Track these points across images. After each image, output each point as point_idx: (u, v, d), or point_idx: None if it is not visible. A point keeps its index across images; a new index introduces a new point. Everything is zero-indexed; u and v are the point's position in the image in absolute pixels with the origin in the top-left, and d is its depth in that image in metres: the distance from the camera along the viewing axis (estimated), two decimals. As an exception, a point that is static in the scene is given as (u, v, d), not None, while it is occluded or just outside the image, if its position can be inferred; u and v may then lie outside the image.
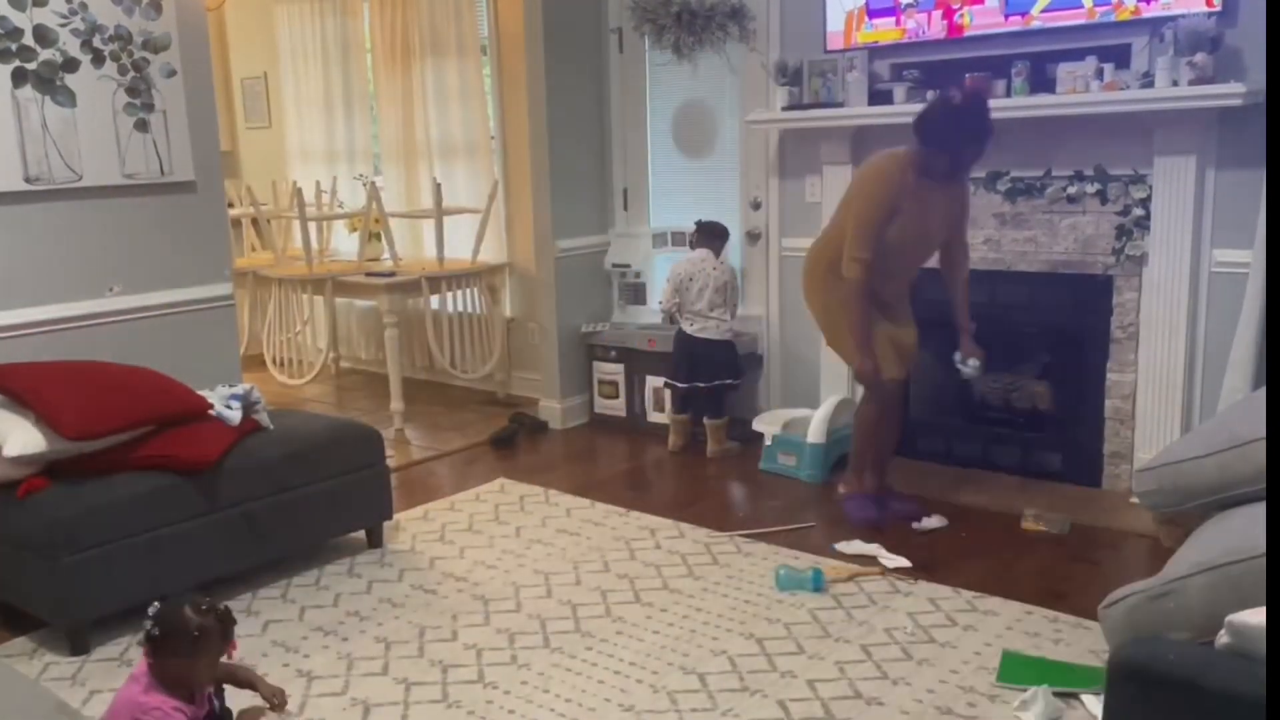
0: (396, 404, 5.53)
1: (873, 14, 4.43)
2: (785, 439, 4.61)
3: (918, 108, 4.24)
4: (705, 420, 4.92)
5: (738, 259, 5.11)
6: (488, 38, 5.91)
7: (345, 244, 6.69)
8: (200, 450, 3.35)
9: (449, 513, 4.28)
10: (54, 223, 3.74)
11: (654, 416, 5.26)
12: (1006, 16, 4.12)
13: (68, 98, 3.71)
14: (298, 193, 5.85)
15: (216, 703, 2.47)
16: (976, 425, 4.61)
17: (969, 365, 3.91)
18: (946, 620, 3.21)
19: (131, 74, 3.87)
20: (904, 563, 3.59)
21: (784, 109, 4.71)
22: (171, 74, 3.98)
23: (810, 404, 4.78)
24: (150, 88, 3.92)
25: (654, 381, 5.22)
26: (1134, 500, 3.75)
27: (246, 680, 2.60)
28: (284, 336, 6.27)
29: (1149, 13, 3.82)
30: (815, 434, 4.50)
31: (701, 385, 4.86)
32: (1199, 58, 3.65)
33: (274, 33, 6.88)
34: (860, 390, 4.77)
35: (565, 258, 5.38)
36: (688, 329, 4.87)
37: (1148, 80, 3.83)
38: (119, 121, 3.85)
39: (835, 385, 4.80)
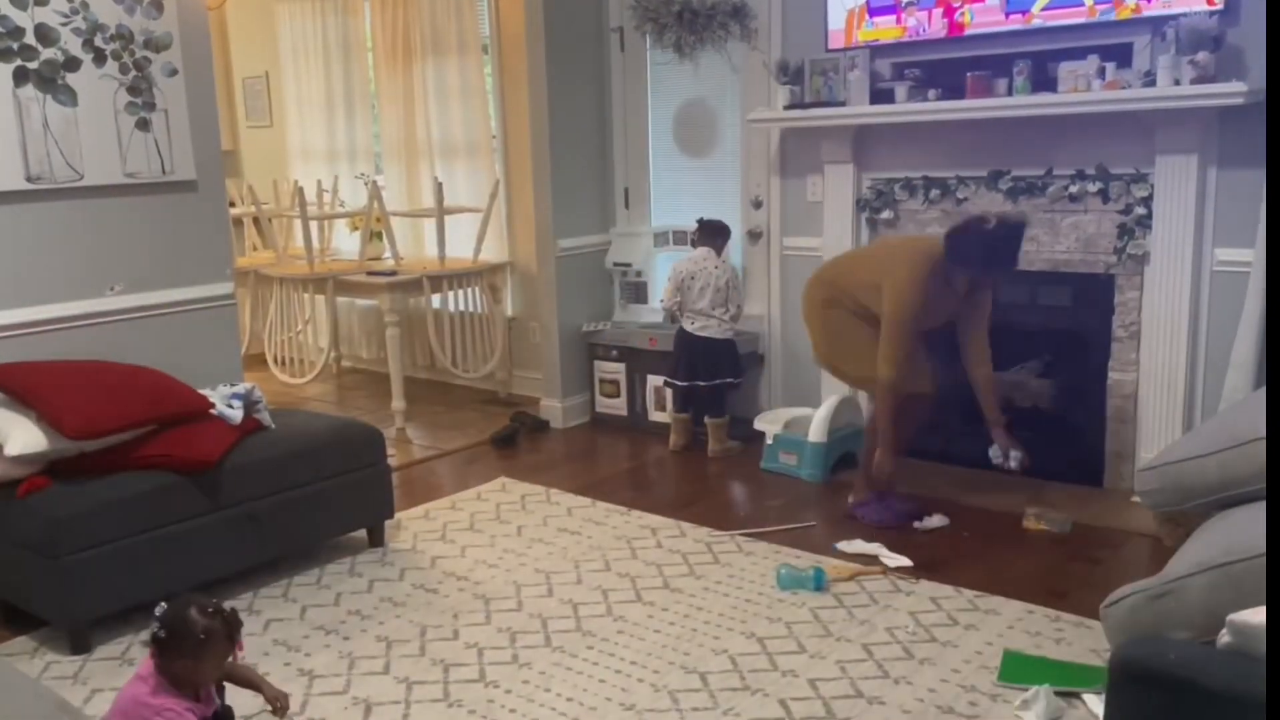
0: (398, 403, 5.53)
1: (873, 12, 4.43)
2: (786, 438, 4.61)
3: (919, 106, 4.28)
4: (706, 419, 4.92)
5: (739, 258, 5.11)
6: (489, 37, 5.91)
7: (346, 243, 6.70)
8: (201, 449, 3.35)
9: (450, 512, 4.28)
10: (55, 222, 3.74)
11: (655, 415, 5.26)
12: (1007, 15, 4.11)
13: (69, 97, 3.71)
14: (299, 192, 5.85)
15: (219, 700, 2.47)
16: (977, 425, 4.60)
17: (1011, 459, 3.89)
18: (948, 619, 3.21)
19: (133, 73, 3.87)
20: (905, 561, 3.60)
21: (785, 108, 4.71)
22: (173, 73, 3.97)
23: (811, 403, 4.78)
24: (152, 87, 3.92)
25: (655, 380, 5.21)
26: (1135, 499, 3.75)
27: (248, 681, 2.60)
28: (285, 336, 6.28)
29: (1150, 11, 3.82)
30: (816, 433, 4.50)
31: (702, 384, 4.86)
32: (1200, 56, 3.64)
33: (275, 32, 6.88)
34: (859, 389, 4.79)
35: (566, 257, 5.38)
36: (689, 328, 4.87)
37: (1149, 79, 3.82)
38: (120, 121, 3.85)
39: (836, 384, 4.79)
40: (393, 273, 5.68)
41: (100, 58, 3.78)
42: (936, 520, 3.94)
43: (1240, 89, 3.57)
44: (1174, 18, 3.75)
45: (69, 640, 3.15)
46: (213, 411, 3.53)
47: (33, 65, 3.62)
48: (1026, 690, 2.73)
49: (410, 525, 4.13)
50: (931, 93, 4.27)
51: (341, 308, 6.62)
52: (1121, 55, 3.92)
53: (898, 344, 3.77)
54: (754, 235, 5.09)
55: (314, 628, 3.29)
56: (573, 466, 4.87)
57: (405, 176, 6.38)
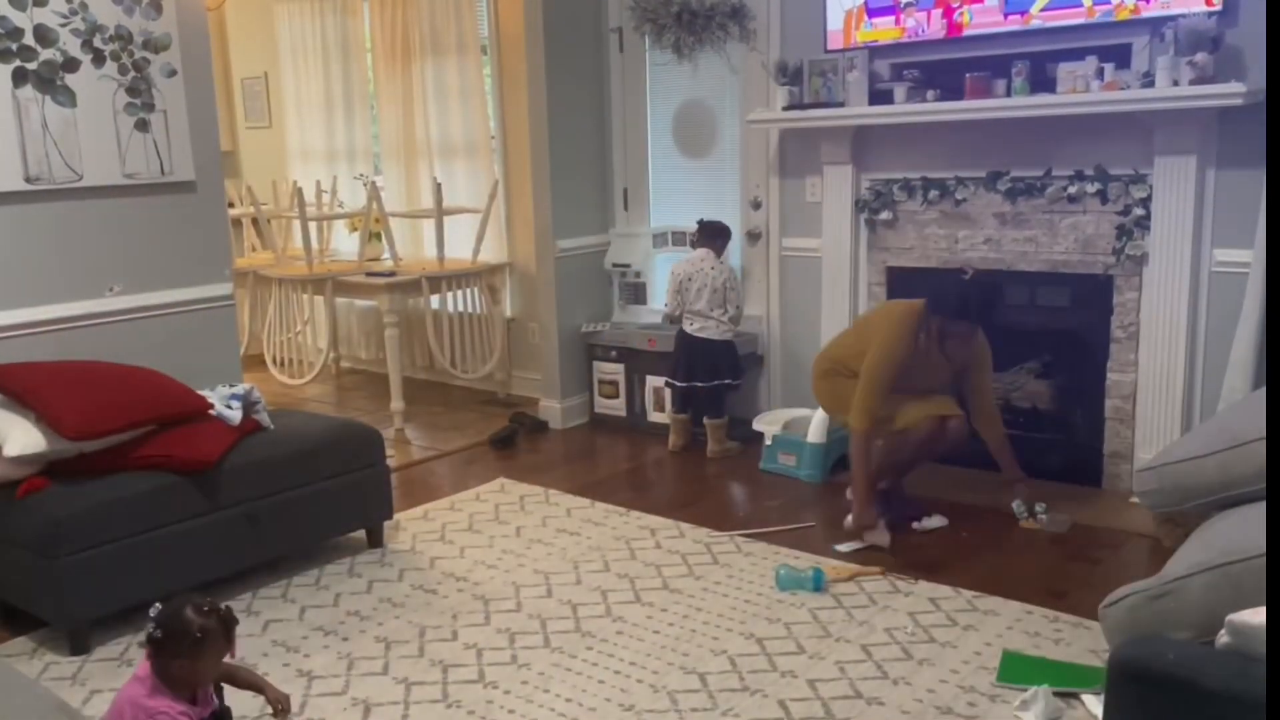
0: (397, 404, 5.53)
1: (872, 13, 4.43)
2: (785, 439, 4.61)
3: (918, 107, 4.28)
4: (705, 420, 4.92)
5: (738, 259, 5.11)
6: (488, 37, 5.91)
7: (345, 244, 6.70)
8: (200, 450, 3.35)
9: (449, 512, 4.28)
10: (54, 223, 3.74)
11: (654, 416, 5.26)
12: (1006, 16, 4.11)
13: (68, 98, 3.71)
14: (298, 192, 5.85)
15: (217, 701, 2.47)
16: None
17: (1039, 512, 3.90)
18: (947, 620, 3.21)
19: (132, 74, 3.87)
20: (884, 537, 3.74)
21: (784, 109, 4.71)
22: (172, 74, 3.97)
23: (810, 404, 4.76)
24: (151, 87, 3.92)
25: (654, 381, 5.22)
26: (1134, 500, 3.75)
27: (249, 682, 2.59)
28: (284, 336, 6.27)
29: (1149, 12, 3.82)
30: (815, 434, 4.50)
31: (700, 385, 4.86)
32: (1199, 57, 3.64)
33: (274, 32, 6.88)
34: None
35: (565, 257, 5.38)
36: (688, 328, 4.87)
37: (1148, 80, 3.82)
38: (119, 121, 3.85)
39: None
40: (392, 273, 5.67)
41: (99, 58, 3.78)
42: (936, 521, 3.94)
43: (1239, 90, 3.57)
44: (1173, 18, 3.75)
45: (68, 641, 3.15)
46: (211, 412, 3.52)
47: (32, 66, 3.62)
48: (1025, 691, 2.73)
49: (409, 526, 4.13)
50: (930, 93, 4.27)
51: (340, 308, 6.62)
52: (1120, 56, 3.93)
53: (873, 394, 3.80)
54: (753, 236, 5.09)
55: (313, 628, 3.29)
56: (572, 467, 4.87)
57: (404, 177, 6.37)
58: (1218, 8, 3.68)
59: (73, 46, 3.71)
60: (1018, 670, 2.87)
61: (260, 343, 6.35)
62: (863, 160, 4.67)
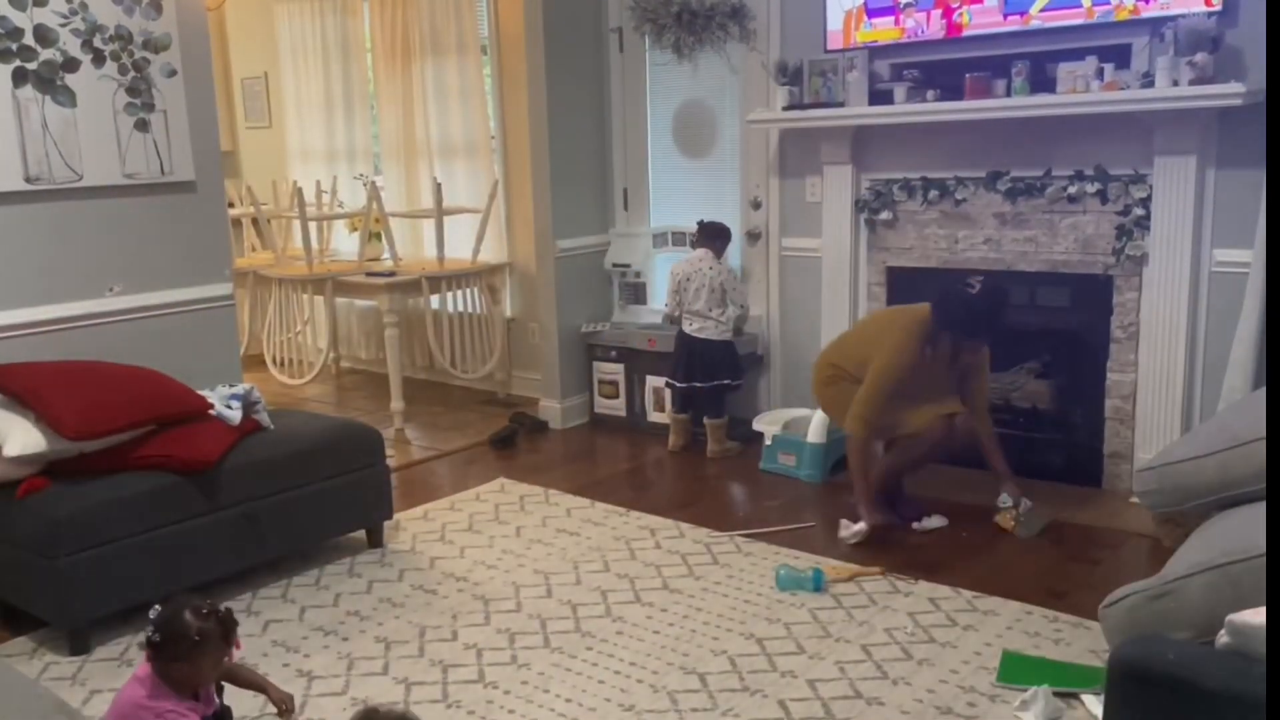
0: (397, 404, 5.53)
1: (871, 13, 4.43)
2: (785, 439, 4.61)
3: (918, 107, 4.28)
4: (705, 420, 4.92)
5: (738, 259, 5.11)
6: (488, 37, 5.91)
7: (345, 244, 6.70)
8: (200, 450, 3.35)
9: (449, 512, 4.28)
10: (54, 223, 3.74)
11: (654, 416, 5.26)
12: (1005, 16, 4.11)
13: (68, 98, 3.71)
14: (298, 192, 5.85)
15: (218, 700, 2.47)
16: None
17: (1023, 507, 3.88)
18: (947, 620, 3.21)
19: (132, 74, 3.87)
20: (860, 529, 3.78)
21: (784, 109, 4.71)
22: (172, 74, 3.97)
23: (810, 404, 4.77)
24: (150, 87, 3.92)
25: (654, 381, 5.22)
26: (1134, 500, 3.75)
27: (251, 682, 2.59)
28: (284, 336, 6.27)
29: (1149, 12, 3.82)
30: (815, 434, 4.50)
31: (699, 385, 4.86)
32: (1199, 57, 3.64)
33: (274, 32, 6.88)
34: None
35: (565, 257, 5.38)
36: (686, 329, 4.87)
37: (1148, 80, 3.82)
38: (119, 121, 3.85)
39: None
40: (391, 273, 5.67)
41: (99, 58, 3.78)
42: (936, 521, 3.94)
43: (1239, 90, 3.57)
44: (1172, 19, 3.75)
45: (68, 641, 3.15)
46: (211, 412, 3.52)
47: (32, 66, 3.62)
48: (1025, 691, 2.73)
49: (409, 526, 4.13)
50: (930, 94, 4.27)
51: (340, 308, 6.62)
52: (1120, 56, 3.92)
53: (872, 404, 3.82)
54: (753, 236, 5.09)
55: (313, 628, 3.29)
56: (571, 467, 4.87)
57: (404, 177, 6.37)
58: (1218, 8, 3.68)
59: (73, 46, 3.71)
60: (1018, 670, 2.87)
61: (260, 343, 6.35)
62: (863, 160, 4.67)
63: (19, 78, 3.59)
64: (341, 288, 5.85)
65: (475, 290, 5.90)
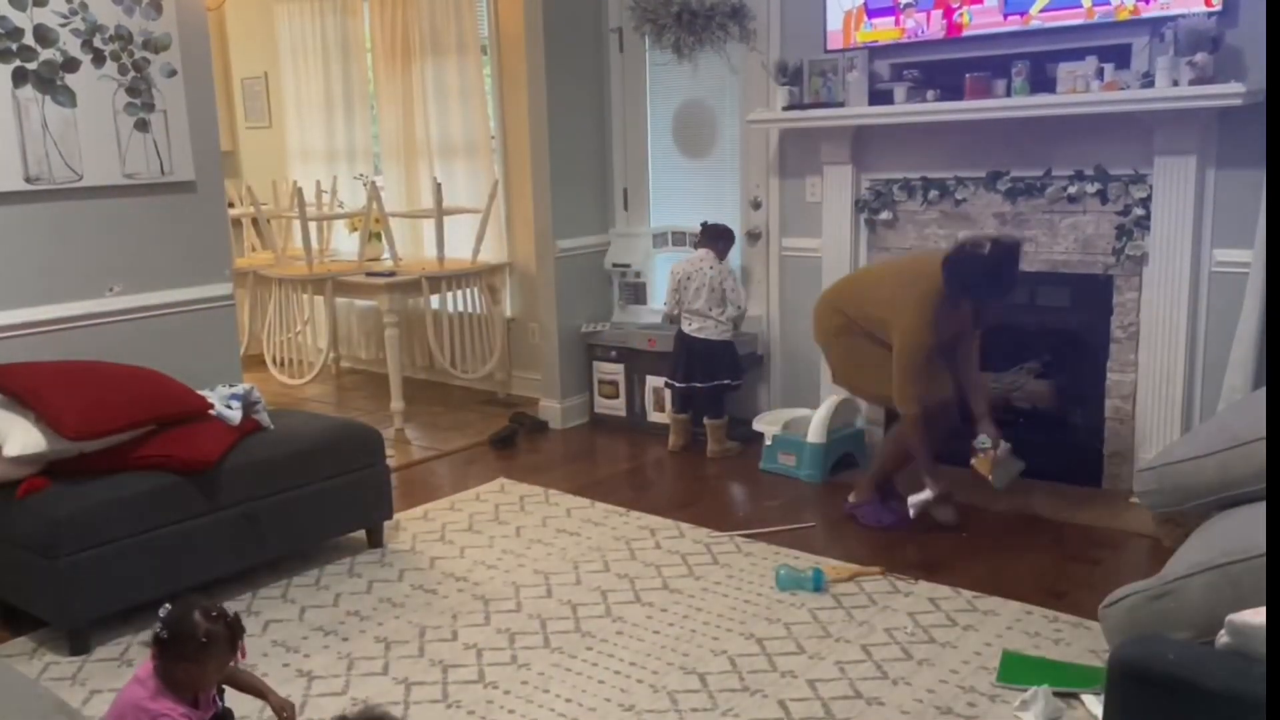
0: (397, 404, 5.53)
1: (871, 14, 4.43)
2: (785, 439, 4.61)
3: (918, 107, 4.28)
4: (705, 420, 4.92)
5: (738, 259, 5.11)
6: (488, 37, 5.91)
7: (345, 244, 6.70)
8: (200, 450, 3.35)
9: (449, 512, 4.28)
10: (54, 223, 3.74)
11: (654, 416, 5.26)
12: (1005, 16, 4.11)
13: (68, 98, 3.71)
14: (298, 192, 5.85)
15: (219, 703, 2.47)
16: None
17: (1000, 448, 3.85)
18: (947, 620, 3.21)
19: (132, 74, 3.86)
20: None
21: (784, 109, 4.71)
22: (172, 74, 3.97)
23: (810, 404, 4.78)
24: (150, 87, 3.92)
25: (654, 381, 5.22)
26: (1134, 500, 3.75)
27: (252, 687, 2.59)
28: (284, 336, 6.27)
29: (1149, 12, 3.82)
30: (815, 434, 4.50)
31: (698, 385, 4.86)
32: (1199, 57, 3.64)
33: (274, 32, 6.88)
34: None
35: (565, 257, 5.38)
36: (686, 329, 4.87)
37: (1148, 80, 3.82)
38: (119, 121, 3.85)
39: (835, 385, 4.80)
40: (391, 273, 5.67)
41: (99, 58, 3.78)
42: (925, 494, 3.88)
43: (1239, 90, 3.57)
44: (1172, 19, 3.75)
45: (68, 641, 3.15)
46: (211, 412, 3.52)
47: (32, 66, 3.62)
48: (1025, 691, 2.73)
49: (409, 526, 4.13)
50: (930, 94, 4.27)
51: (340, 308, 6.62)
52: (1120, 56, 3.92)
53: (913, 380, 3.79)
54: (753, 236, 5.09)
55: (313, 628, 3.29)
56: (571, 467, 4.87)
57: (404, 177, 6.37)
58: (1218, 8, 3.68)
59: (73, 46, 3.71)
60: (1018, 670, 2.87)
61: (260, 343, 6.35)
62: (863, 160, 4.67)
63: (19, 78, 3.59)
64: (341, 288, 5.85)
65: (475, 290, 5.90)
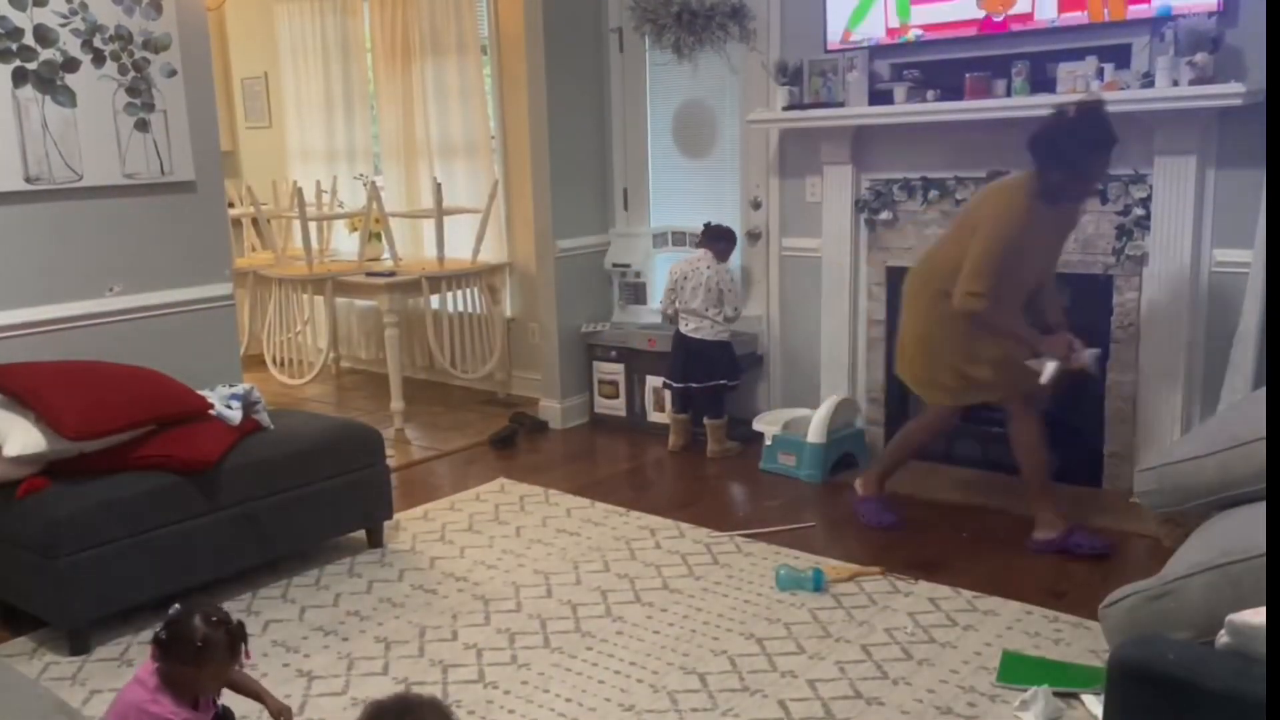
0: (397, 404, 5.53)
1: None
2: (785, 439, 4.61)
3: (918, 107, 4.27)
4: (705, 420, 4.92)
5: (738, 259, 5.11)
6: (488, 37, 5.91)
7: (345, 244, 6.70)
8: (200, 450, 3.35)
9: (449, 512, 4.28)
10: (54, 223, 3.74)
11: (654, 416, 5.26)
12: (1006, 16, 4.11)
13: (68, 98, 3.71)
14: (298, 192, 5.85)
15: (219, 705, 2.46)
16: (976, 425, 4.60)
17: (1087, 355, 3.66)
18: (947, 620, 3.21)
19: (132, 74, 3.86)
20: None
21: (784, 109, 4.71)
22: (172, 74, 3.97)
23: (810, 404, 4.78)
24: (150, 87, 3.92)
25: (654, 381, 5.22)
26: (1134, 500, 3.74)
27: (249, 689, 2.58)
28: (284, 336, 6.27)
29: (1149, 13, 3.82)
30: (815, 434, 4.50)
31: (696, 385, 4.86)
32: (1199, 57, 3.64)
33: (274, 32, 6.88)
34: (858, 391, 4.79)
35: (565, 257, 5.38)
36: (683, 329, 4.87)
37: (1148, 80, 3.82)
38: (119, 121, 3.85)
39: (835, 385, 4.80)
40: (391, 273, 5.68)
41: (99, 58, 3.78)
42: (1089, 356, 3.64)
43: (1239, 90, 3.57)
44: (1172, 19, 3.75)
45: (68, 641, 3.15)
46: (211, 412, 3.52)
47: (32, 66, 3.62)
48: (1025, 691, 2.73)
49: (409, 526, 4.13)
50: (930, 94, 4.27)
51: (340, 308, 6.62)
52: (1120, 56, 3.93)
53: (985, 271, 3.43)
54: (753, 236, 5.09)
55: (313, 628, 3.29)
56: (571, 467, 4.87)
57: (404, 177, 6.38)
58: (1217, 8, 3.68)
59: (73, 46, 3.70)
60: (1018, 670, 2.87)
61: (260, 343, 6.35)
62: (863, 160, 4.67)
63: (19, 78, 3.59)
64: (341, 288, 5.86)
65: (475, 290, 5.90)
